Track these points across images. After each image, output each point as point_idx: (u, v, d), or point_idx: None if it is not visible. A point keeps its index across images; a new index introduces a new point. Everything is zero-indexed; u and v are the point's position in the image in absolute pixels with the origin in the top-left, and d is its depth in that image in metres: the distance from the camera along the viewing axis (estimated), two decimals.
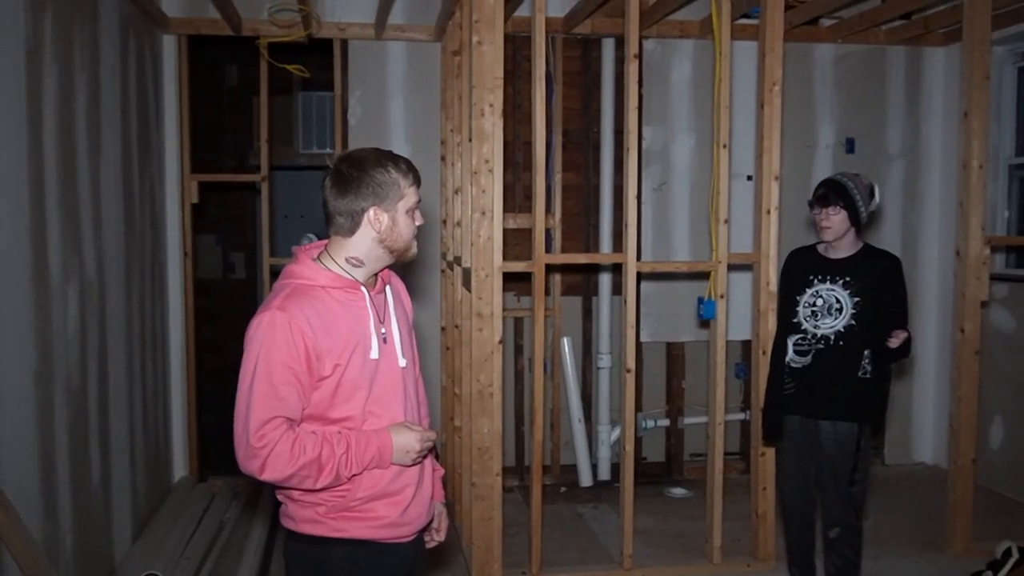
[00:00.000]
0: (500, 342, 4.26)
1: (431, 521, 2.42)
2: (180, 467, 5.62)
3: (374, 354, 2.19)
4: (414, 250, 2.27)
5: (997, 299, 5.52)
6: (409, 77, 5.66)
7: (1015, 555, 3.94)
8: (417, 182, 2.22)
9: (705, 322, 5.64)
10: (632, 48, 4.28)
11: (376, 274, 2.29)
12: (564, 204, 5.86)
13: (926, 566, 4.48)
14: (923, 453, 6.28)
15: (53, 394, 3.54)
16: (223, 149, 8.35)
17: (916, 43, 6.01)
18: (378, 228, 2.18)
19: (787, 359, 3.82)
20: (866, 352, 3.67)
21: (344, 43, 5.59)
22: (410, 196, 2.20)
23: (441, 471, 2.51)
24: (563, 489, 5.76)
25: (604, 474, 5.90)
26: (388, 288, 2.33)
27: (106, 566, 4.17)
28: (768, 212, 4.43)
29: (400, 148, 5.67)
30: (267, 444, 2.06)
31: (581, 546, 4.82)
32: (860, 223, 3.73)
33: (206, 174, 5.72)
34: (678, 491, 5.71)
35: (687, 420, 5.98)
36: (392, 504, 2.23)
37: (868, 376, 3.67)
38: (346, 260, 2.21)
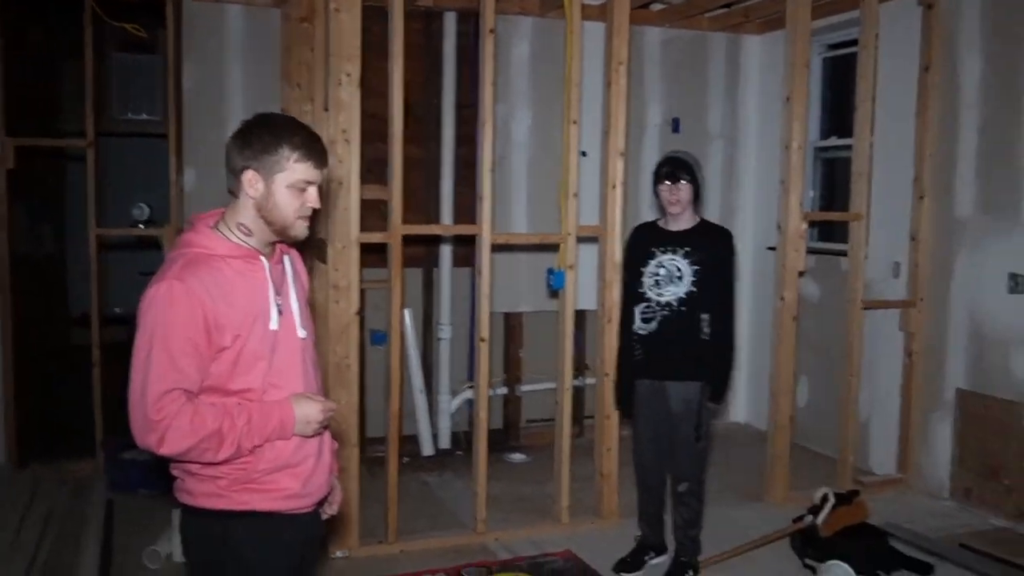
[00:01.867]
0: (358, 313, 4.26)
1: (329, 493, 2.43)
2: None
3: (273, 325, 2.17)
4: (298, 231, 2.18)
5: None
6: (247, 43, 5.50)
7: (832, 500, 4.35)
8: (312, 161, 2.14)
9: (542, 292, 5.86)
10: (488, 23, 4.36)
11: (273, 244, 2.25)
12: (406, 177, 5.83)
13: (750, 514, 4.86)
14: (738, 413, 6.78)
15: None
16: (27, 114, 7.75)
17: (736, 31, 6.43)
18: (253, 194, 2.13)
19: (634, 327, 4.06)
20: (705, 316, 3.97)
21: (178, 4, 5.34)
22: (294, 172, 2.12)
23: (335, 444, 2.52)
24: (406, 459, 5.81)
25: (445, 443, 6.01)
26: (286, 258, 2.30)
27: None
28: (614, 187, 4.64)
29: (238, 116, 5.46)
30: (165, 417, 2.00)
31: (431, 513, 4.90)
32: (700, 197, 4.02)
33: (25, 138, 5.33)
34: (517, 456, 5.90)
35: (524, 388, 6.17)
36: (294, 475, 2.22)
37: (708, 338, 3.98)
38: (237, 227, 2.17)
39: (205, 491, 2.17)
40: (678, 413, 3.99)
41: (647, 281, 4.02)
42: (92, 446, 5.48)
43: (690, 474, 4.05)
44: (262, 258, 2.18)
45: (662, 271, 3.99)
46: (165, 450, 2.03)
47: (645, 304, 4.03)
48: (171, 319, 2.02)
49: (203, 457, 2.07)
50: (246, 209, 2.15)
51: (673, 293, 3.97)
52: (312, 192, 2.17)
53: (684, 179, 3.94)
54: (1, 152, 5.12)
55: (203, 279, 2.06)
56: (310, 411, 2.18)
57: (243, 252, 2.16)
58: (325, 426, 2.27)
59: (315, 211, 2.21)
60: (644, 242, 4.10)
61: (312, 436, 2.23)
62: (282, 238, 2.20)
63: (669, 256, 3.99)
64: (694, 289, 3.95)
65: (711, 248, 3.99)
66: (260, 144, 2.11)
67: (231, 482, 2.16)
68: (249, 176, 2.12)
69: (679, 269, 3.97)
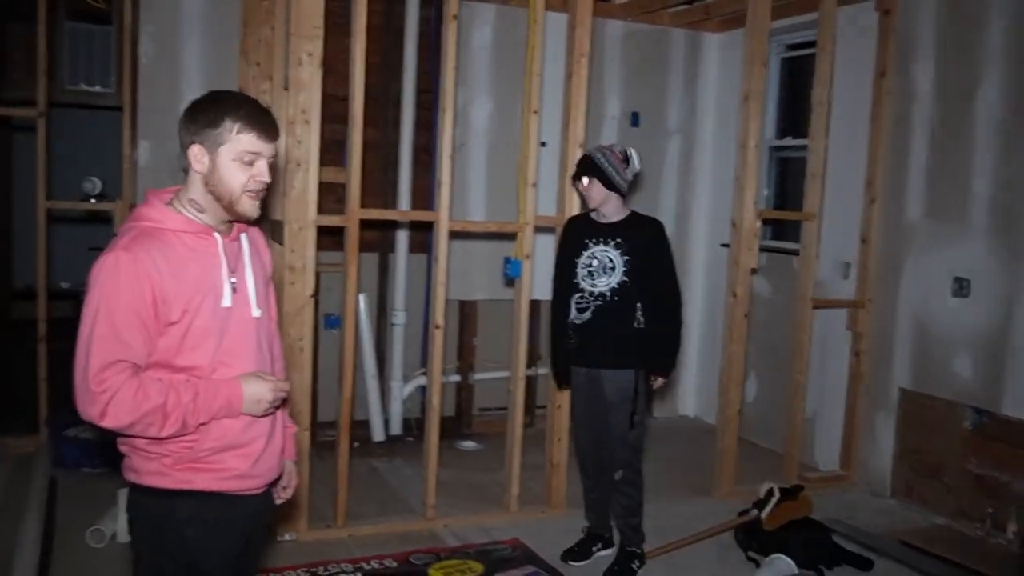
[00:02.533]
0: (312, 296, 4.23)
1: (281, 476, 2.42)
2: None
3: (226, 302, 2.15)
4: (246, 207, 2.15)
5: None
6: (207, 17, 5.41)
7: (777, 494, 4.42)
8: (256, 132, 2.11)
9: (497, 280, 5.87)
10: (452, 8, 4.34)
11: (230, 222, 2.23)
12: (363, 160, 5.80)
13: (697, 508, 4.92)
14: (686, 407, 6.86)
15: None
16: None
17: (696, 27, 6.47)
18: (200, 169, 2.12)
19: (570, 317, 4.11)
20: (638, 305, 4.04)
21: None
22: (237, 143, 2.10)
23: (294, 428, 2.51)
24: (356, 444, 5.76)
25: (396, 429, 5.99)
26: (244, 236, 2.27)
27: None
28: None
29: (195, 92, 5.29)
30: (107, 389, 1.98)
31: (380, 499, 4.89)
32: (619, 189, 4.04)
33: None
34: (469, 444, 5.91)
35: (477, 376, 6.18)
36: (242, 456, 2.20)
37: (641, 327, 4.05)
38: (188, 202, 2.15)
39: (150, 469, 2.14)
40: (613, 401, 4.04)
41: (580, 272, 4.08)
42: (35, 422, 5.39)
43: (625, 462, 4.10)
44: (216, 234, 2.16)
45: (595, 262, 4.05)
46: (107, 423, 2.00)
47: (579, 294, 4.08)
48: (117, 290, 2.00)
49: (147, 432, 2.05)
50: (195, 185, 2.14)
51: (606, 284, 4.03)
52: (260, 165, 2.14)
53: (588, 176, 4.01)
54: None
55: (151, 252, 2.04)
56: (260, 390, 2.16)
57: (196, 228, 2.14)
58: (277, 406, 2.25)
59: (267, 189, 2.18)
60: (577, 233, 4.16)
61: (263, 416, 2.21)
62: (231, 215, 2.17)
63: (601, 247, 4.05)
64: (626, 279, 4.00)
65: (641, 239, 4.05)
66: (205, 118, 2.10)
67: (176, 460, 2.13)
68: (195, 151, 2.11)
69: (611, 260, 4.03)
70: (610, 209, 4.06)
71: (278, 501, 2.46)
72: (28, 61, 5.38)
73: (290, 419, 2.50)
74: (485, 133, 5.99)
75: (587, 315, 4.06)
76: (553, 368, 4.35)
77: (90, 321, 2.01)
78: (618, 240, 4.02)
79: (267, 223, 4.19)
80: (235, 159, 2.11)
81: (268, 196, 2.21)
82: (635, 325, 4.03)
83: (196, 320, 2.09)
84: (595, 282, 4.03)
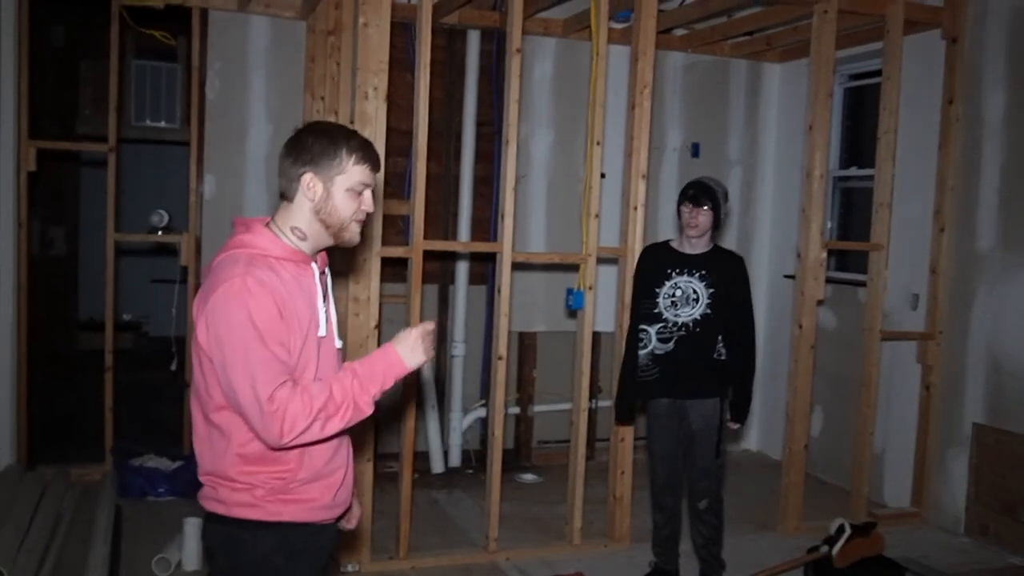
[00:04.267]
0: (376, 327, 4.24)
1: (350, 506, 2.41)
2: (6, 454, 5.21)
3: (322, 331, 2.17)
4: (352, 234, 2.20)
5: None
6: (272, 54, 5.51)
7: (848, 531, 4.31)
8: (369, 164, 2.17)
9: (557, 312, 5.85)
10: (515, 43, 4.36)
11: (319, 251, 2.25)
12: (425, 193, 5.86)
13: (763, 543, 4.83)
14: (750, 441, 6.74)
15: None
16: (44, 117, 7.78)
17: (757, 58, 6.44)
18: (311, 196, 2.14)
19: (651, 347, 4.05)
20: (719, 337, 4.00)
21: (204, 12, 5.36)
22: (352, 174, 2.15)
23: None
24: (415, 476, 5.76)
25: (455, 461, 5.98)
26: (328, 269, 2.30)
27: None
28: (635, 208, 4.64)
29: (261, 126, 5.55)
30: (279, 408, 1.99)
31: (441, 531, 4.87)
32: (720, 224, 4.05)
33: (46, 140, 5.33)
34: (528, 476, 5.86)
35: (536, 408, 6.14)
36: (327, 486, 2.21)
37: (723, 358, 4.01)
38: (291, 230, 2.17)
39: (239, 500, 2.14)
40: (699, 431, 4.00)
41: (663, 302, 4.02)
42: (100, 451, 5.46)
43: (710, 491, 4.05)
44: (313, 264, 2.19)
45: (678, 292, 4.00)
46: (287, 439, 2.01)
47: (661, 324, 4.03)
48: (254, 312, 2.01)
49: (326, 429, 2.04)
50: (301, 213, 2.16)
51: (689, 314, 3.99)
52: (367, 196, 2.19)
53: (706, 205, 3.95)
54: (23, 154, 5.10)
55: (268, 275, 2.07)
56: (409, 337, 2.16)
57: (296, 256, 2.16)
58: (435, 343, 2.23)
59: (368, 216, 2.22)
60: (659, 263, 4.10)
61: (425, 359, 2.19)
62: (336, 242, 2.20)
63: (685, 278, 4.00)
64: (709, 311, 3.97)
65: (725, 273, 4.02)
66: (319, 147, 2.13)
67: (268, 492, 2.13)
68: (308, 179, 2.14)
69: (695, 291, 3.99)
70: (701, 241, 4.02)
71: (344, 529, 2.47)
72: (97, 98, 5.52)
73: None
74: (545, 165, 6.00)
75: (670, 345, 4.01)
76: (618, 400, 4.26)
77: (241, 349, 2.01)
78: (703, 272, 3.98)
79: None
80: (349, 189, 2.14)
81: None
82: (716, 356, 4.00)
83: (304, 347, 2.11)
84: (679, 312, 4.00)
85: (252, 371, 2.00)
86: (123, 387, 5.69)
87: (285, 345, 2.05)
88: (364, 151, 2.17)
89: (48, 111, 7.83)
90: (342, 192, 2.15)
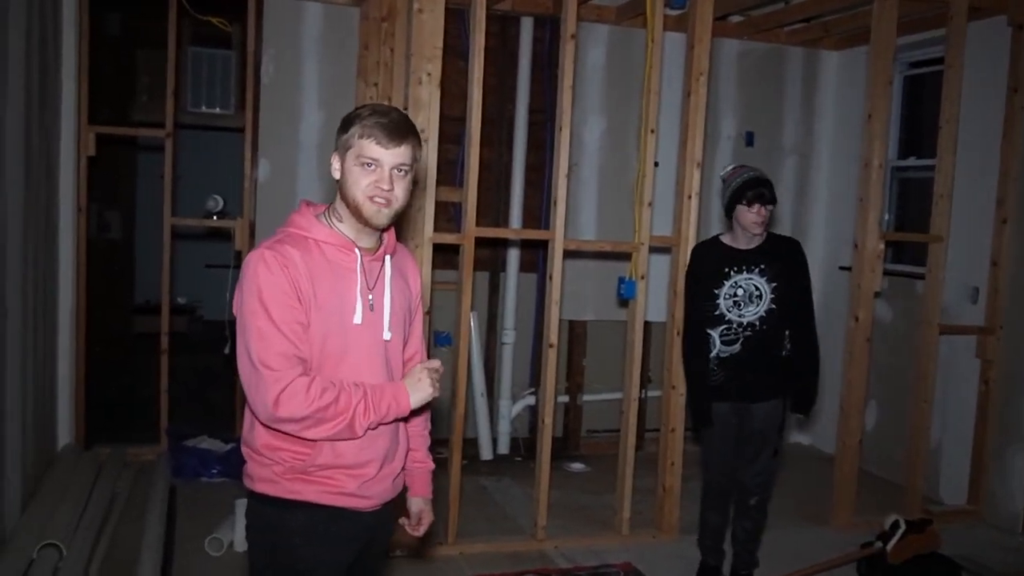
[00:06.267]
0: (427, 313, 4.25)
1: (399, 495, 2.37)
2: (65, 434, 5.33)
3: (357, 319, 2.15)
4: (369, 212, 2.12)
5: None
6: (325, 40, 5.53)
7: (902, 527, 4.24)
8: (373, 138, 2.08)
9: (608, 300, 5.82)
10: (570, 29, 4.33)
11: (380, 239, 2.23)
12: (477, 180, 5.87)
13: (814, 537, 4.76)
14: (800, 434, 6.65)
15: None
16: (102, 103, 7.92)
17: (813, 46, 6.33)
18: (336, 175, 2.17)
19: (715, 351, 3.92)
20: (786, 332, 3.93)
21: (259, 0, 5.40)
22: (358, 147, 2.10)
23: (431, 465, 2.51)
24: (464, 462, 5.78)
25: (503, 448, 5.98)
26: (389, 258, 2.26)
27: None
28: (689, 197, 4.59)
29: (313, 112, 5.58)
30: (280, 379, 2.01)
31: (489, 517, 4.88)
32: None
33: (105, 126, 5.41)
34: (576, 466, 5.85)
35: (586, 397, 6.12)
36: (352, 476, 2.18)
37: (788, 353, 3.93)
38: (331, 212, 2.20)
39: (263, 476, 2.17)
40: (762, 431, 3.93)
41: (724, 303, 3.87)
42: (155, 432, 5.56)
43: (763, 488, 4.01)
44: (356, 250, 2.17)
45: (740, 291, 3.86)
46: (282, 412, 2.01)
47: (724, 326, 3.89)
48: (264, 285, 2.04)
49: (315, 430, 2.05)
50: (338, 194, 2.19)
51: (754, 313, 3.86)
52: (381, 172, 2.11)
53: (775, 201, 3.82)
54: (83, 140, 5.19)
55: (293, 252, 2.08)
56: (414, 373, 2.19)
57: (338, 240, 2.16)
58: (438, 379, 2.21)
59: (393, 200, 2.13)
60: (715, 263, 3.93)
61: (431, 393, 2.18)
62: (360, 222, 2.15)
63: (745, 276, 3.87)
64: (774, 307, 3.85)
65: (786, 263, 3.90)
66: (342, 127, 2.16)
67: (286, 470, 2.14)
68: (334, 158, 2.18)
69: (757, 288, 3.86)
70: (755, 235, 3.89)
71: (410, 533, 2.49)
72: (153, 85, 5.59)
73: (428, 455, 2.50)
74: (596, 153, 5.96)
75: (736, 347, 3.89)
76: (695, 405, 4.04)
77: (248, 316, 2.05)
78: (762, 267, 3.85)
79: (411, 243, 4.21)
80: (357, 163, 2.12)
81: (405, 212, 2.21)
82: (783, 352, 3.93)
83: (326, 329, 2.10)
84: (742, 312, 3.86)
85: (250, 338, 2.04)
86: (177, 370, 5.78)
87: (293, 322, 2.05)
88: (372, 125, 2.10)
89: (105, 100, 7.97)
90: (352, 167, 2.13)
